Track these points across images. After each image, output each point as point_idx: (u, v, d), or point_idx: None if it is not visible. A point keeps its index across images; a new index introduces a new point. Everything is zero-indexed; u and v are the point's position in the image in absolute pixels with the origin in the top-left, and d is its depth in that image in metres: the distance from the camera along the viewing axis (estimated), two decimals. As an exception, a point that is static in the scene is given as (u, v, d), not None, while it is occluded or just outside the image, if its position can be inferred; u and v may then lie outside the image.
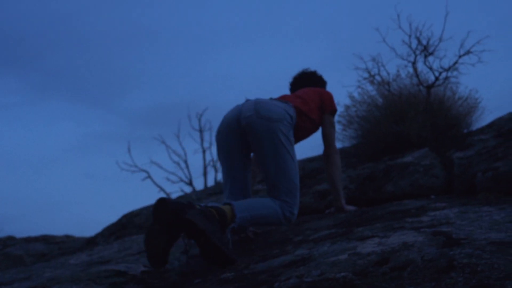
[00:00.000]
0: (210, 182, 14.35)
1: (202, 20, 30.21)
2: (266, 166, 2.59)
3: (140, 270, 2.54)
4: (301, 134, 2.87)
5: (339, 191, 2.98)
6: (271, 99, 2.80)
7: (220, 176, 14.74)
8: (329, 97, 3.02)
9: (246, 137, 2.65)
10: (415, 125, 4.54)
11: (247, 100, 2.74)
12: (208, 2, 30.94)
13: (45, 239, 7.25)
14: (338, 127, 4.75)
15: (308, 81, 3.28)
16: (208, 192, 5.54)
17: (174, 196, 12.89)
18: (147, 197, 25.30)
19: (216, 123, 19.64)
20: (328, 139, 2.99)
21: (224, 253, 2.02)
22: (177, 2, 30.67)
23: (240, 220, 2.30)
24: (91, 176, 22.77)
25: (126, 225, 5.00)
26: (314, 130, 3.00)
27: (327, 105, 2.98)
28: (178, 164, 14.32)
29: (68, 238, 7.43)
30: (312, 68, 3.38)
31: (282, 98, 2.86)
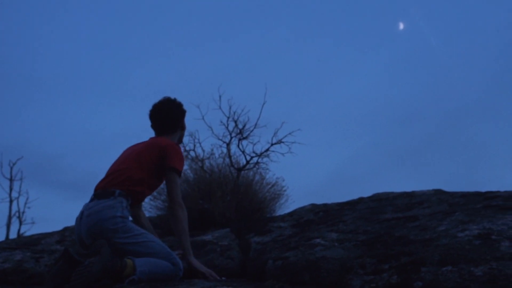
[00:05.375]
0: (13, 234, 13.54)
1: (33, 63, 28.45)
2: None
3: None
4: (142, 196, 3.16)
5: (184, 244, 3.07)
6: (98, 197, 2.96)
7: (23, 229, 13.85)
8: (169, 154, 3.11)
9: None
10: (221, 204, 4.59)
11: (80, 219, 2.92)
12: (46, 43, 29.31)
13: None
14: (146, 198, 4.63)
15: (161, 125, 3.38)
16: (2, 246, 4.84)
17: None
18: None
19: (29, 174, 18.26)
20: (169, 195, 3.10)
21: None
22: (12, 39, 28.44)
23: (140, 273, 2.61)
24: None
25: None
26: (155, 186, 3.25)
27: (166, 162, 3.10)
28: (-20, 211, 13.29)
29: None
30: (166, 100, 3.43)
31: (108, 183, 3.01)
